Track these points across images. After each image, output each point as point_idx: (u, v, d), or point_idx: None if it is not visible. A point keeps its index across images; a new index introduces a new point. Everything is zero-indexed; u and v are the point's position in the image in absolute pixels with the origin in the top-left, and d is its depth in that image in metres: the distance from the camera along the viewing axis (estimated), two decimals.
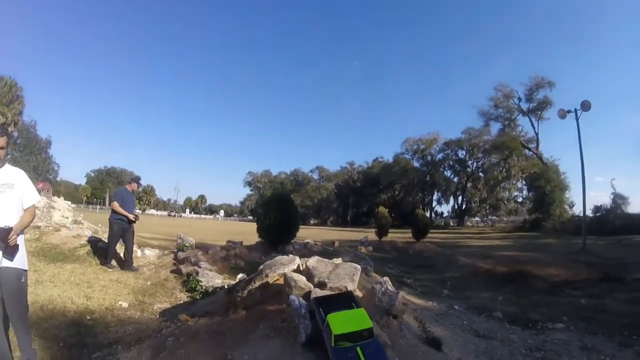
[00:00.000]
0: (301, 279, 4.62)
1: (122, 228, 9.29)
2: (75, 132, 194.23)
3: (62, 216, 13.87)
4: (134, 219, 9.48)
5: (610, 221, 33.00)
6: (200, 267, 9.02)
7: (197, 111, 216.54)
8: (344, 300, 3.63)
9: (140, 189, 10.16)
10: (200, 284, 7.89)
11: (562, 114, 24.27)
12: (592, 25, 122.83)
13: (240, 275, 8.24)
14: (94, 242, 10.64)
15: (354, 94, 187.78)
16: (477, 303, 9.46)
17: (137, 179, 10.05)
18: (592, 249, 19.83)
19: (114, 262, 9.39)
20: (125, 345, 4.62)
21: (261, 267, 5.82)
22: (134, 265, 9.42)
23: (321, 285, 4.56)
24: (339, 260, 5.81)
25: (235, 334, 4.06)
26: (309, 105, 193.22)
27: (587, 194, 22.92)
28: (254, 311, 4.67)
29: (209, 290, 7.58)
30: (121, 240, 9.44)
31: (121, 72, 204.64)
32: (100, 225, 14.99)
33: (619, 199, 37.41)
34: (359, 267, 5.09)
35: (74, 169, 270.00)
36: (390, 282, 4.53)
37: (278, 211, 13.39)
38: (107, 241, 9.87)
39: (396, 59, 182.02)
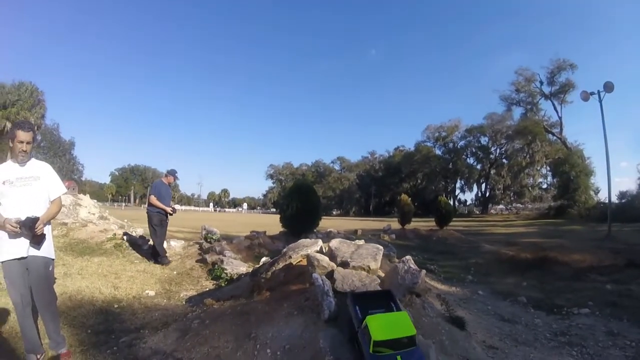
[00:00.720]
0: (324, 259, 4.66)
1: (160, 220, 9.28)
2: (98, 132, 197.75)
3: (89, 212, 14.15)
4: (171, 212, 9.51)
5: (636, 207, 32.49)
6: (225, 256, 9.11)
7: (218, 106, 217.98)
8: (382, 298, 3.33)
9: (176, 181, 10.13)
10: (225, 271, 7.98)
11: (585, 96, 23.86)
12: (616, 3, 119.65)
13: (264, 259, 8.32)
14: (122, 235, 10.88)
15: (373, 83, 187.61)
16: (501, 288, 9.46)
17: (173, 172, 9.91)
18: (617, 236, 19.53)
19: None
20: (152, 329, 4.73)
21: (284, 249, 5.90)
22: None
23: (344, 264, 4.59)
24: (361, 242, 5.84)
25: (259, 313, 4.13)
26: (328, 96, 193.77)
27: (612, 179, 22.64)
28: (277, 292, 4.75)
29: (234, 278, 7.66)
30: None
31: (141, 70, 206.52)
32: (125, 220, 15.27)
33: None
34: (381, 247, 5.10)
35: (98, 169, 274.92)
36: (412, 261, 4.53)
37: (300, 201, 13.45)
38: (150, 238, 9.94)
39: (415, 45, 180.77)
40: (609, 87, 22.55)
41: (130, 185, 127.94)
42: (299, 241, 5.92)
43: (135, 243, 10.57)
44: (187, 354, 3.69)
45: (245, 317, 4.11)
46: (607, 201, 25.68)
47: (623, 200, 36.86)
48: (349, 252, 4.93)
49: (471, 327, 5.60)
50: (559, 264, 11.16)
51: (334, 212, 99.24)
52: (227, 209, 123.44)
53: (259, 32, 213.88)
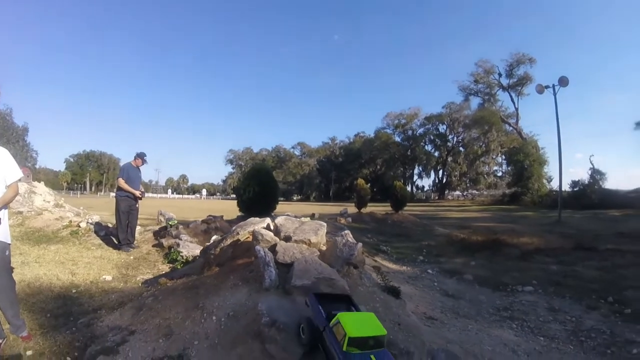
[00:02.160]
0: (268, 234, 4.93)
1: (129, 205, 9.19)
2: (52, 117, 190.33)
3: (44, 200, 13.89)
4: (140, 196, 9.38)
5: (588, 196, 34.17)
6: (181, 240, 9.21)
7: (175, 90, 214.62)
8: (342, 301, 3.35)
9: (144, 165, 9.86)
10: (181, 254, 8.13)
11: (540, 89, 24.96)
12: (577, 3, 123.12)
13: (214, 237, 8.48)
14: (78, 223, 10.82)
15: (334, 68, 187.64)
16: (449, 267, 9.86)
17: (142, 155, 9.66)
18: (568, 221, 20.40)
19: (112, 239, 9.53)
20: (108, 309, 4.87)
21: (234, 227, 6.09)
22: (134, 243, 9.47)
23: (287, 239, 4.85)
24: (306, 219, 6.11)
25: (208, 286, 4.35)
26: (289, 81, 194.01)
27: (567, 170, 23.82)
28: (226, 266, 4.95)
29: (189, 260, 7.79)
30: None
31: (95, 54, 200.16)
32: (81, 207, 15.09)
33: (596, 175, 38.21)
34: (324, 223, 5.37)
35: (52, 156, 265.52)
36: (351, 235, 4.87)
37: (257, 184, 13.57)
38: (114, 221, 9.77)
39: (377, 33, 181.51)
40: (563, 81, 23.63)
41: (86, 172, 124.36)
42: (248, 219, 6.11)
43: (92, 230, 10.53)
44: (141, 326, 3.86)
45: (194, 291, 4.31)
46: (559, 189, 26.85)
47: (575, 189, 38.33)
48: (293, 228, 5.17)
49: (415, 300, 5.96)
50: (509, 246, 11.58)
51: (295, 197, 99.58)
52: (212, 198, 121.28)
53: (217, 14, 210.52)
